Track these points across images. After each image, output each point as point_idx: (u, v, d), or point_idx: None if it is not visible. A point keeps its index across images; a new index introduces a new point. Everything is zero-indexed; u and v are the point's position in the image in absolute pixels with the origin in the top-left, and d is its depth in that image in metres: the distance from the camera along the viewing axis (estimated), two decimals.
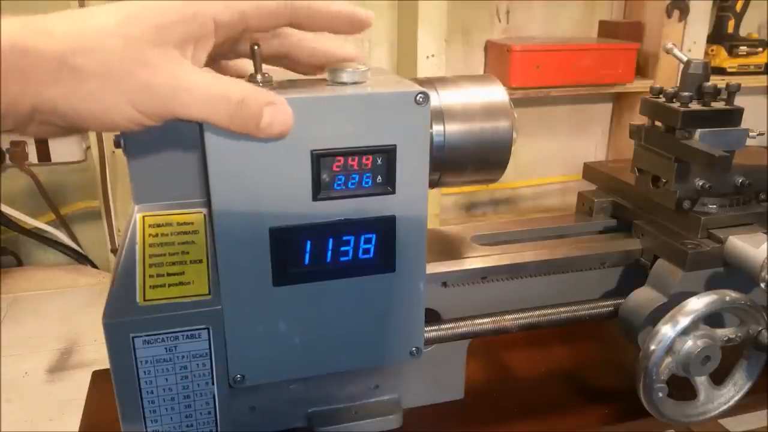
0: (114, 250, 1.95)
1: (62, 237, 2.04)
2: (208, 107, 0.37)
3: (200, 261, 0.45)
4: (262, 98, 0.39)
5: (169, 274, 0.45)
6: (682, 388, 0.57)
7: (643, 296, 0.61)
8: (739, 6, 2.09)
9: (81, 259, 2.10)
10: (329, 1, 0.42)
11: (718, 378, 0.58)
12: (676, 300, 0.55)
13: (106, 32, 0.35)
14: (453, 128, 0.50)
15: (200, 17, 0.37)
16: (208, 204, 0.45)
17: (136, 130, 0.38)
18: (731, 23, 2.10)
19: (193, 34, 0.37)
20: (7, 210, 1.92)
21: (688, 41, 2.00)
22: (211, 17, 0.38)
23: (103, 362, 0.45)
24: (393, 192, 0.46)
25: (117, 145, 0.45)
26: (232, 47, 0.45)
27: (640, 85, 2.00)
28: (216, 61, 0.46)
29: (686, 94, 0.59)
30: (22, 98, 0.34)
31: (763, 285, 0.56)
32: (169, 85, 0.36)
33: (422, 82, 0.51)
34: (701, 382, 0.57)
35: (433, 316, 0.58)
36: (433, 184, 0.52)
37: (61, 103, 0.34)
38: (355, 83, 0.44)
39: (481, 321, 0.59)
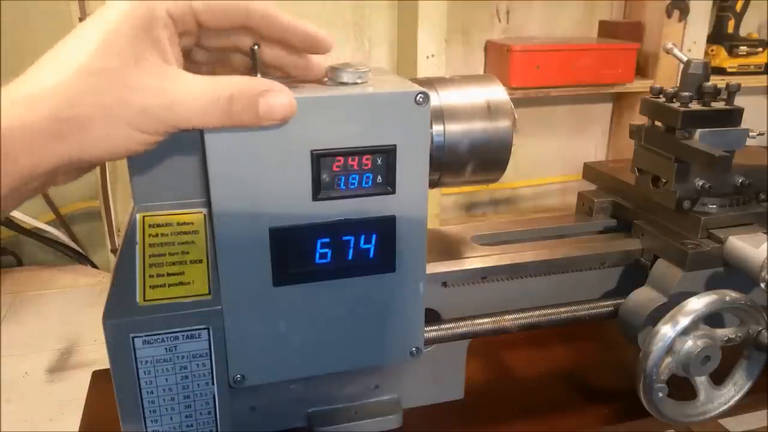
0: (114, 250, 1.95)
1: (62, 237, 2.04)
2: (203, 113, 0.37)
3: (200, 261, 0.45)
4: (253, 89, 0.39)
5: (169, 274, 0.45)
6: (682, 388, 0.57)
7: (643, 296, 0.61)
8: (739, 6, 2.09)
9: (81, 259, 2.10)
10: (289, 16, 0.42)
11: (718, 378, 0.58)
12: (676, 300, 0.55)
13: (86, 72, 0.34)
14: (453, 128, 0.50)
15: (158, 15, 0.37)
16: (208, 204, 0.45)
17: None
18: (731, 23, 2.10)
19: (161, 35, 0.37)
20: None
21: (688, 41, 2.00)
22: (164, 11, 0.38)
23: (103, 362, 0.45)
24: (393, 192, 0.46)
25: None
26: (197, 42, 0.44)
27: (640, 85, 2.00)
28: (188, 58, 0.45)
29: (686, 94, 0.59)
30: (36, 167, 0.34)
31: (763, 285, 0.56)
32: (163, 103, 0.36)
33: (422, 82, 0.51)
34: (701, 382, 0.57)
35: (433, 316, 0.58)
36: (433, 184, 0.52)
37: (76, 154, 0.35)
38: (355, 83, 0.44)
39: (481, 321, 0.59)
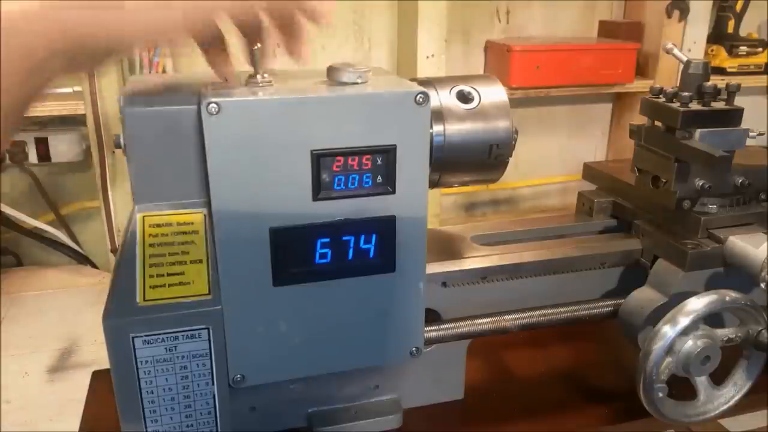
0: (114, 250, 1.95)
1: (62, 237, 2.03)
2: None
3: (200, 261, 0.45)
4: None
5: (169, 274, 0.45)
6: (682, 388, 0.57)
7: (643, 296, 0.61)
8: (739, 6, 2.09)
9: (81, 259, 2.10)
10: None
11: (718, 378, 0.58)
12: (676, 300, 0.55)
13: None
14: (453, 128, 0.50)
15: None
16: (208, 204, 0.45)
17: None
18: (731, 23, 2.10)
19: None
20: (7, 210, 1.92)
21: (688, 41, 2.00)
22: None
23: (103, 362, 0.45)
24: (393, 192, 0.46)
25: (117, 145, 0.45)
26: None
27: (640, 85, 1.99)
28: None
29: (686, 94, 0.59)
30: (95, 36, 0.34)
31: (763, 285, 0.56)
32: None
33: (422, 82, 0.51)
34: (701, 382, 0.57)
35: (433, 316, 0.58)
36: (433, 184, 0.52)
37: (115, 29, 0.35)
38: (355, 83, 0.44)
39: (481, 321, 0.59)
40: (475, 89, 0.52)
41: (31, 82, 0.34)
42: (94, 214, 2.03)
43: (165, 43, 0.40)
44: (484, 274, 0.59)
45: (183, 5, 0.36)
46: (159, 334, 0.44)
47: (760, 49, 2.09)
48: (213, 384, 0.47)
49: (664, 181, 0.62)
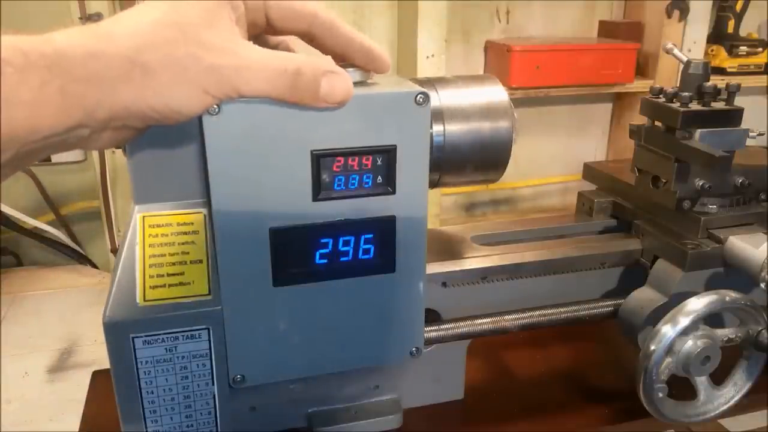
0: (114, 250, 1.95)
1: (62, 237, 2.04)
2: (268, 82, 0.38)
3: (200, 261, 0.45)
4: (318, 68, 0.39)
5: (169, 274, 0.45)
6: (682, 388, 0.57)
7: (643, 296, 0.61)
8: (739, 6, 2.09)
9: (81, 259, 2.10)
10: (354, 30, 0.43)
11: (718, 378, 0.58)
12: (676, 300, 0.55)
13: (161, 24, 0.35)
14: (453, 128, 0.50)
15: None
16: (208, 204, 0.45)
17: (204, 111, 0.39)
18: (731, 23, 2.10)
19: (236, 11, 0.39)
20: (7, 210, 1.92)
21: (688, 41, 2.00)
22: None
23: (103, 362, 0.45)
24: (393, 192, 0.46)
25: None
26: (257, 37, 0.45)
27: (640, 85, 2.00)
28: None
29: (686, 94, 0.59)
30: (100, 105, 0.34)
31: (763, 285, 0.56)
32: (232, 65, 0.37)
33: (422, 82, 0.51)
34: (701, 382, 0.57)
35: (433, 316, 0.58)
36: (433, 184, 0.52)
37: (137, 102, 0.35)
38: (355, 83, 0.44)
39: (481, 321, 0.59)
40: None
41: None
42: (94, 214, 2.04)
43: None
44: (484, 274, 0.59)
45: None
46: (159, 334, 0.44)
47: (760, 49, 2.10)
48: (213, 384, 0.47)
49: (664, 181, 0.62)
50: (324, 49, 0.44)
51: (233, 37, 0.38)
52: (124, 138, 0.39)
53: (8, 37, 0.31)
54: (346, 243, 0.46)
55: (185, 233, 0.46)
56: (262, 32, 0.44)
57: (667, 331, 0.53)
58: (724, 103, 0.60)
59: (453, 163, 0.51)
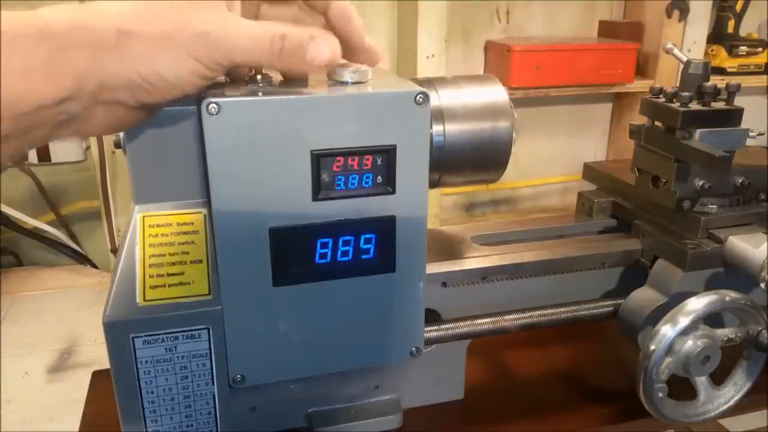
0: (114, 250, 1.95)
1: (62, 237, 2.03)
2: (257, 47, 0.39)
3: (200, 261, 0.45)
4: (303, 32, 0.40)
5: (169, 274, 0.45)
6: (682, 388, 0.57)
7: (643, 296, 0.61)
8: (739, 6, 2.09)
9: (81, 259, 2.10)
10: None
11: (718, 378, 0.58)
12: (676, 300, 0.55)
13: None
14: (453, 128, 0.50)
15: None
16: (208, 204, 0.45)
17: (199, 86, 0.39)
18: (731, 23, 2.10)
19: None
20: (7, 210, 1.92)
21: (688, 41, 2.00)
22: None
23: (103, 362, 0.45)
24: (393, 192, 0.46)
25: (117, 145, 0.45)
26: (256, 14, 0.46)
27: (640, 85, 2.00)
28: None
29: (686, 94, 0.59)
30: (88, 75, 0.35)
31: (763, 285, 0.56)
32: (221, 31, 0.37)
33: (422, 82, 0.51)
34: (701, 382, 0.57)
35: (433, 316, 0.58)
36: (433, 184, 0.52)
37: (126, 70, 0.36)
38: (355, 83, 0.44)
39: (481, 321, 0.59)
40: None
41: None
42: (94, 214, 2.03)
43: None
44: (484, 274, 0.59)
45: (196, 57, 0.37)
46: (159, 334, 0.44)
47: (760, 49, 2.10)
48: (213, 384, 0.47)
49: (664, 181, 0.62)
50: (331, 26, 0.45)
51: (221, 8, 0.38)
52: (118, 119, 0.39)
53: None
54: (346, 243, 0.46)
55: (185, 233, 0.46)
56: (257, 12, 0.44)
57: (667, 331, 0.53)
58: (724, 103, 0.60)
59: (453, 163, 0.51)
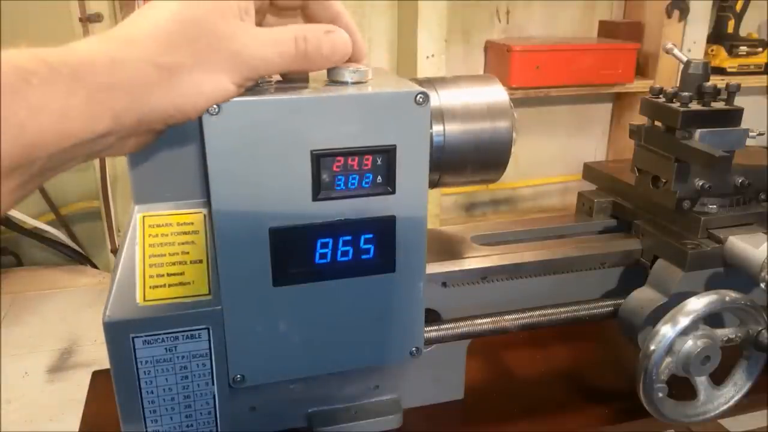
0: (114, 250, 1.95)
1: (62, 237, 2.04)
2: (282, 56, 0.39)
3: (200, 261, 0.45)
4: (318, 29, 0.40)
5: (169, 274, 0.45)
6: (682, 388, 0.57)
7: (643, 296, 0.61)
8: (739, 6, 2.09)
9: (81, 259, 2.10)
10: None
11: (718, 378, 0.58)
12: (676, 300, 0.55)
13: (178, 22, 0.36)
14: (453, 128, 0.50)
15: None
16: (208, 204, 0.45)
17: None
18: (731, 23, 2.10)
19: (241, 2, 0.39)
20: None
21: (688, 41, 2.00)
22: None
23: (103, 362, 0.45)
24: (393, 192, 0.46)
25: None
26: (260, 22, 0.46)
27: (640, 85, 2.00)
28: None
29: (686, 94, 0.59)
30: (127, 113, 0.34)
31: (763, 285, 0.56)
32: (249, 47, 0.37)
33: (422, 82, 0.51)
34: (701, 382, 0.57)
35: (433, 316, 0.58)
36: (433, 184, 0.52)
37: (164, 105, 0.35)
38: (355, 83, 0.44)
39: (481, 321, 0.59)
40: None
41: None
42: (94, 214, 2.03)
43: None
44: (484, 274, 0.59)
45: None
46: (159, 334, 0.44)
47: (760, 49, 2.10)
48: (213, 384, 0.47)
49: (664, 181, 0.62)
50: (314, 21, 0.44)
51: (242, 22, 0.38)
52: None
53: (30, 50, 0.31)
54: (346, 243, 0.46)
55: (185, 233, 0.46)
56: (261, 19, 0.44)
57: (667, 331, 0.53)
58: (724, 103, 0.60)
59: (453, 163, 0.51)
